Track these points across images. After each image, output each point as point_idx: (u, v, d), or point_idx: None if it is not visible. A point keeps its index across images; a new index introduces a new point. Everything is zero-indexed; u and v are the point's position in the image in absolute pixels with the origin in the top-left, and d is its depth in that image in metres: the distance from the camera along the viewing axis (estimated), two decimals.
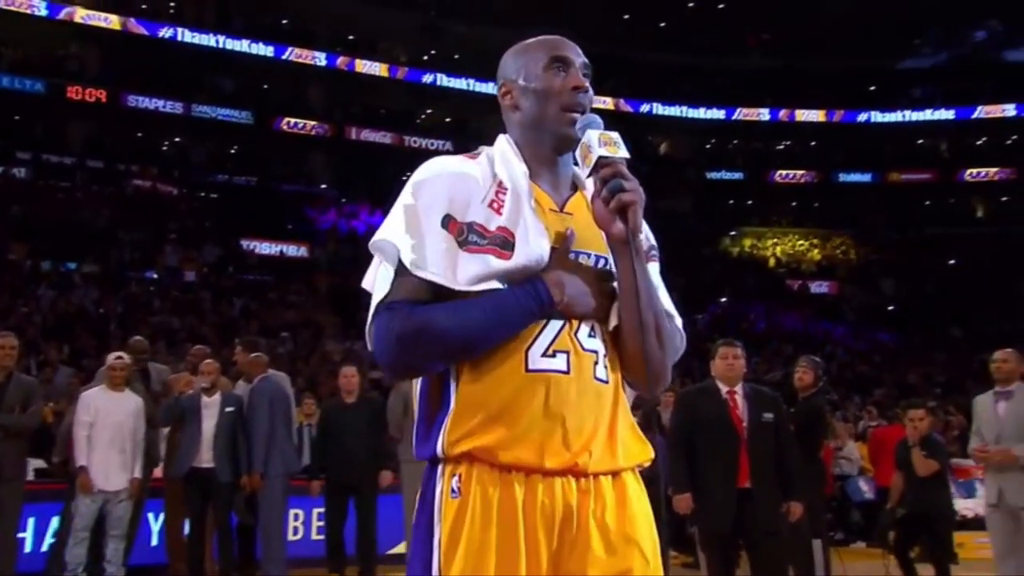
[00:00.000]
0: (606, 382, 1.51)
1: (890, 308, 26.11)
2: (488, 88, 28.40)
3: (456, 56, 28.64)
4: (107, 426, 6.05)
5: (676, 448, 4.63)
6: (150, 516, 6.85)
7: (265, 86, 27.16)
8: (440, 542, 1.42)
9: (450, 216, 1.50)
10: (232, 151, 27.34)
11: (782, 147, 31.51)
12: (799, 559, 5.15)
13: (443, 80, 27.99)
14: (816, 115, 29.94)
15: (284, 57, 26.11)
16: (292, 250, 23.07)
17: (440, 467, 1.48)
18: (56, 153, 24.40)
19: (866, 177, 30.14)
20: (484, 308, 1.44)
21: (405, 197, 1.54)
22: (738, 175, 30.41)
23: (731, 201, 31.23)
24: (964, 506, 8.22)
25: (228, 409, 6.27)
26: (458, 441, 1.45)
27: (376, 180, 28.40)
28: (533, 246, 1.47)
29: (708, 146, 31.39)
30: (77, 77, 24.47)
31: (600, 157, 1.47)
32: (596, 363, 1.50)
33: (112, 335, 13.38)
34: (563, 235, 1.52)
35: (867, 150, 29.90)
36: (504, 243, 1.48)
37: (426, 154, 28.32)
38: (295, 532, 7.30)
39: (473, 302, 1.45)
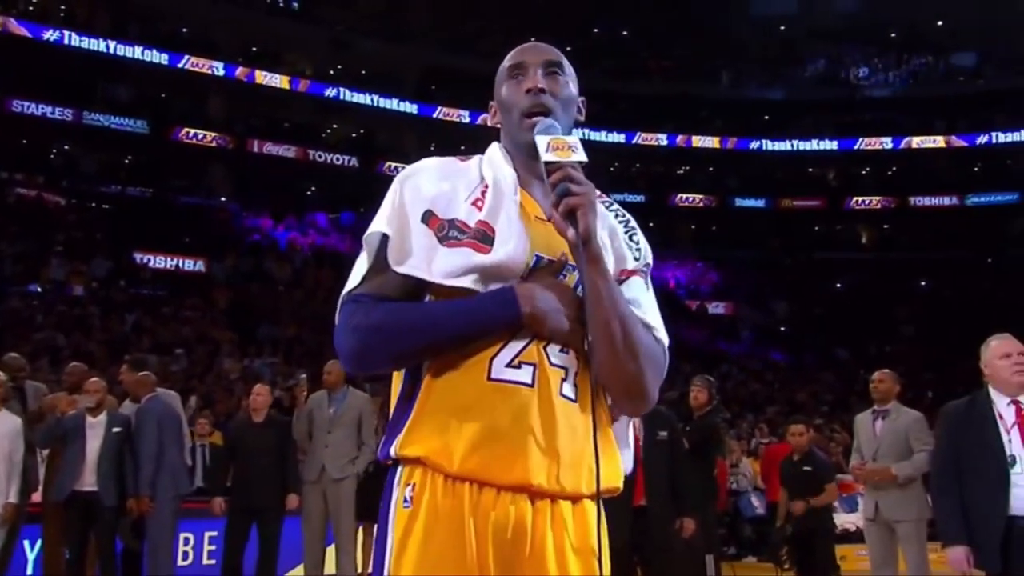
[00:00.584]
0: (574, 400, 1.43)
1: (782, 329, 27.16)
2: (393, 104, 28.48)
3: (363, 72, 28.46)
4: None
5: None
6: (26, 544, 6.47)
7: (163, 95, 26.34)
8: (391, 549, 1.40)
9: (431, 212, 1.48)
10: (126, 161, 26.36)
11: (682, 171, 32.50)
12: (692, 574, 5.28)
13: (347, 95, 27.74)
14: (711, 141, 31.04)
15: (180, 65, 25.35)
16: (189, 264, 22.34)
17: (398, 471, 1.45)
18: None
19: (760, 202, 31.38)
20: (448, 310, 1.40)
21: (390, 193, 1.53)
22: (640, 197, 31.21)
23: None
24: (847, 520, 8.58)
25: (115, 429, 6.00)
26: (411, 444, 1.40)
27: (279, 193, 27.88)
28: (514, 244, 1.42)
29: (612, 168, 32.10)
30: None
31: (547, 162, 1.43)
32: (564, 379, 1.43)
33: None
34: (552, 247, 1.47)
35: (760, 176, 31.16)
36: (484, 237, 1.44)
37: (331, 168, 28.19)
38: (185, 557, 7.03)
39: (438, 304, 1.41)
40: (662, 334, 1.52)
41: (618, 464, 1.50)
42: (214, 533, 6.70)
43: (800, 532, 6.02)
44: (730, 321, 27.40)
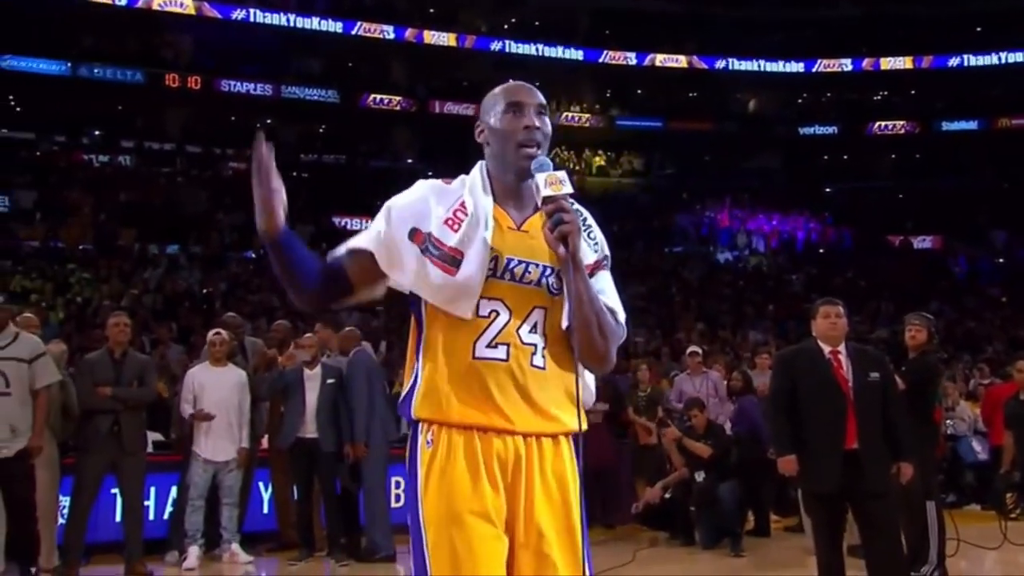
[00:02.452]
0: (543, 368, 1.87)
1: (1000, 261, 24.82)
2: (558, 52, 28.26)
3: (536, 23, 28.38)
4: (212, 400, 6.31)
5: (777, 410, 4.52)
6: (260, 485, 7.12)
7: (349, 64, 27.52)
8: (420, 478, 1.83)
9: (416, 229, 1.88)
10: (320, 130, 27.88)
11: (879, 98, 30.17)
12: (912, 522, 4.98)
13: (512, 47, 27.79)
14: (902, 62, 28.50)
15: (353, 32, 26.34)
16: None
17: (419, 426, 1.88)
18: (157, 140, 25.40)
19: (971, 124, 28.59)
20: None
21: (388, 207, 1.94)
22: (831, 129, 29.28)
23: (825, 157, 30.17)
24: None
25: (329, 381, 6.43)
26: (422, 409, 1.86)
27: (460, 152, 28.54)
28: (474, 268, 1.82)
29: (800, 100, 30.32)
30: (173, 65, 25.31)
31: (545, 197, 1.81)
32: (534, 354, 1.86)
33: (216, 314, 13.91)
34: (509, 247, 1.86)
35: (970, 96, 28.33)
36: (453, 261, 1.83)
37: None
38: (397, 499, 7.47)
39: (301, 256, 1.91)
40: (621, 315, 1.97)
41: (574, 413, 1.90)
42: None
43: None
44: (939, 256, 25.34)
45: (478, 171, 1.98)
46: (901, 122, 29.29)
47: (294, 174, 26.07)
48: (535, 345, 1.86)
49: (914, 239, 26.16)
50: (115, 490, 6.26)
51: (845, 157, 30.30)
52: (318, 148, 27.39)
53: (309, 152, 27.11)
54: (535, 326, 1.87)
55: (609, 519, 7.86)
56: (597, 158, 30.89)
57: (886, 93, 30.11)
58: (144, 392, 6.11)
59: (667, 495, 7.10)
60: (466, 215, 1.87)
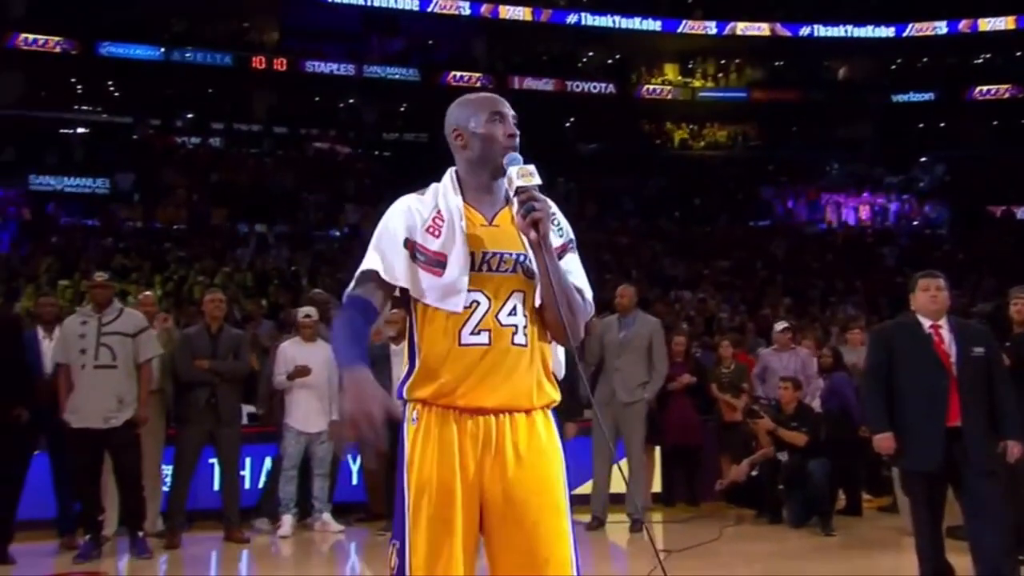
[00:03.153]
0: (524, 345, 2.08)
1: None
2: (636, 23, 27.75)
3: None
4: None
5: (874, 386, 4.37)
6: (349, 457, 7.29)
7: (430, 42, 27.67)
8: (407, 451, 2.08)
9: (407, 239, 2.11)
10: (402, 109, 28.17)
11: (980, 61, 28.70)
12: (1018, 503, 4.77)
13: (588, 19, 27.43)
14: (1003, 22, 26.98)
15: (429, 9, 26.42)
16: None
17: (408, 405, 2.12)
18: (245, 122, 26.11)
19: None
20: (338, 349, 2.07)
21: (379, 227, 2.16)
22: (928, 95, 28.01)
23: (920, 124, 28.92)
24: None
25: None
26: (414, 390, 2.10)
27: (540, 127, 28.43)
28: (458, 270, 2.06)
29: (893, 67, 29.09)
30: (259, 48, 25.92)
31: (518, 187, 2.04)
32: (515, 333, 2.06)
33: (304, 290, 14.28)
34: (483, 241, 2.09)
35: None
36: (439, 263, 2.07)
37: (589, 98, 27.92)
38: None
39: (341, 343, 2.06)
40: (588, 294, 2.18)
41: (555, 385, 2.15)
42: None
43: None
44: None
45: (448, 176, 2.21)
46: (1004, 86, 27.82)
47: (376, 153, 26.47)
48: (516, 325, 2.08)
49: (1017, 209, 24.89)
50: (213, 460, 6.53)
51: (942, 124, 28.98)
52: (399, 127, 27.70)
53: (390, 131, 27.44)
54: (514, 309, 2.08)
55: (693, 496, 7.79)
56: (679, 131, 30.35)
57: (988, 56, 28.61)
58: (239, 365, 6.33)
59: (754, 473, 6.99)
60: (443, 220, 2.11)
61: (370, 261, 2.12)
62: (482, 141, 2.16)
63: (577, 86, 28.27)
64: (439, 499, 2.02)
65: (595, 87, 28.50)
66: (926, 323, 4.27)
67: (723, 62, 29.91)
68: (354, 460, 7.35)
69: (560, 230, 2.19)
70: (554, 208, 2.16)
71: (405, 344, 2.18)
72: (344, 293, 2.16)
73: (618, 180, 26.04)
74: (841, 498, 7.18)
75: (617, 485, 6.76)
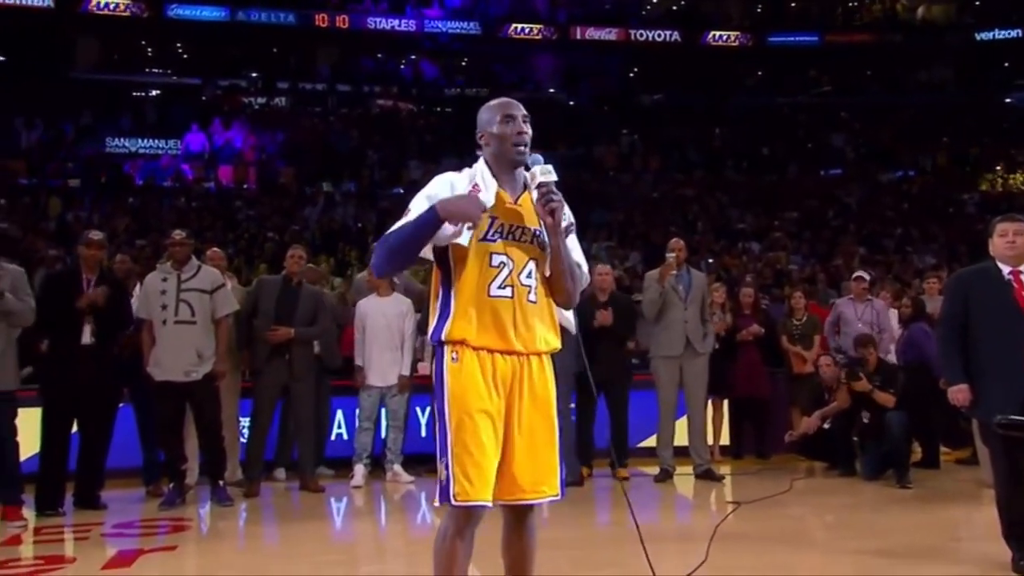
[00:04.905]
0: (535, 303, 2.57)
1: None
2: None
3: None
4: (378, 329, 6.59)
5: (949, 336, 4.22)
6: (416, 410, 7.42)
7: None
8: (447, 384, 2.51)
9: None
10: (463, 64, 28.01)
11: None
12: None
13: None
14: None
15: None
16: None
17: (445, 347, 2.54)
18: (309, 81, 26.32)
19: None
20: (412, 222, 2.50)
21: (420, 194, 2.57)
22: (1014, 33, 26.57)
23: (1005, 64, 27.50)
24: None
25: None
26: (452, 332, 2.52)
27: (601, 78, 27.98)
28: (486, 200, 2.54)
29: (977, 3, 27.63)
30: (322, 5, 25.98)
31: (540, 183, 2.56)
32: (529, 292, 2.55)
33: (369, 248, 14.47)
34: (510, 216, 2.58)
35: None
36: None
37: (653, 47, 27.26)
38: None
39: (402, 226, 2.52)
40: (584, 267, 2.70)
41: (557, 333, 2.64)
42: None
43: None
44: None
45: (482, 163, 2.65)
46: None
47: (438, 109, 26.42)
48: (530, 286, 2.56)
49: None
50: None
51: None
52: (461, 82, 27.56)
53: (452, 86, 27.33)
54: (530, 273, 2.56)
55: (762, 449, 7.73)
56: (745, 78, 29.49)
57: None
58: (316, 331, 6.46)
59: (826, 425, 6.89)
60: (479, 190, 2.57)
61: (408, 216, 2.54)
62: (498, 140, 2.63)
63: (641, 35, 27.66)
64: (474, 423, 2.46)
65: (659, 35, 27.85)
66: (1005, 269, 4.10)
67: (793, 5, 28.84)
68: (423, 412, 7.48)
69: (566, 216, 2.61)
70: (561, 199, 2.64)
71: (433, 296, 2.62)
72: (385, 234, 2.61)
73: (683, 131, 25.53)
74: (917, 450, 7.04)
75: (682, 437, 6.76)
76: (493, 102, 2.70)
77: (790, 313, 8.08)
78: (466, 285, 2.52)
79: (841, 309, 7.49)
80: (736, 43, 28.48)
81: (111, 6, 24.27)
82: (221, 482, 5.91)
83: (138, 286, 6.18)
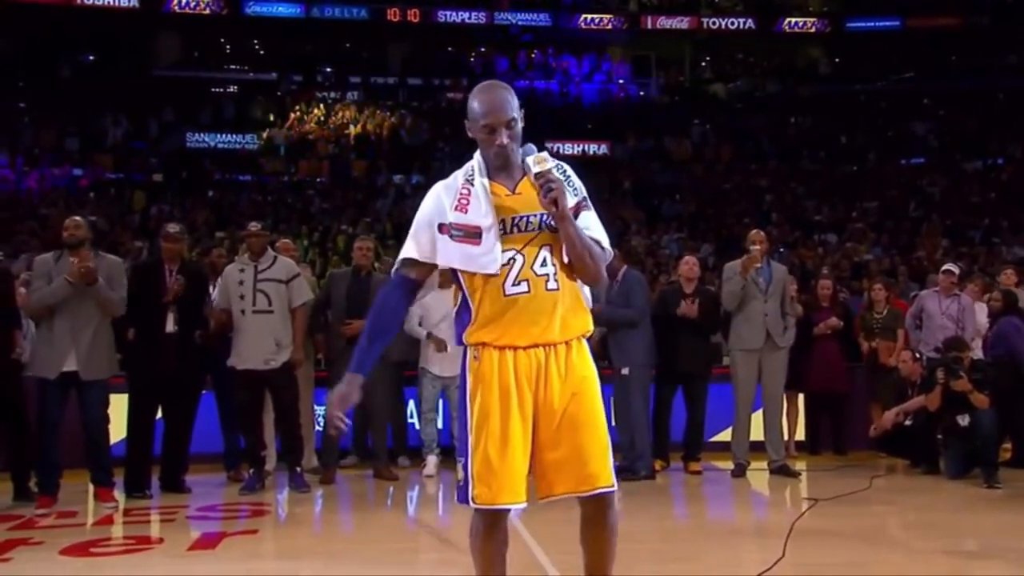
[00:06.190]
0: (557, 289, 2.45)
1: None
2: None
3: None
4: (438, 320, 6.63)
5: None
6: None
7: None
8: (470, 384, 2.47)
9: (440, 224, 2.48)
10: (532, 55, 27.97)
11: None
12: None
13: None
14: None
15: None
16: (593, 148, 23.40)
17: (468, 348, 2.50)
18: (381, 75, 26.66)
19: None
20: (364, 336, 2.53)
21: (416, 216, 2.54)
22: None
23: None
24: None
25: None
26: (473, 335, 2.47)
27: (670, 68, 27.59)
28: (492, 241, 2.43)
29: None
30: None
31: (536, 173, 2.43)
32: (547, 281, 2.44)
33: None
34: (510, 208, 2.46)
35: None
36: (475, 235, 2.43)
37: (724, 35, 26.88)
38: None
39: (365, 333, 2.53)
40: (605, 243, 2.55)
41: (588, 317, 2.54)
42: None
43: None
44: None
45: (476, 158, 2.53)
46: None
47: None
48: (548, 273, 2.44)
49: None
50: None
51: None
52: (529, 75, 27.53)
53: (521, 79, 27.30)
54: (544, 260, 2.45)
55: (840, 445, 7.54)
56: (822, 65, 28.71)
57: None
58: None
59: (907, 422, 6.67)
60: (470, 196, 2.46)
61: (407, 249, 2.53)
62: (481, 142, 2.51)
63: (714, 22, 27.18)
64: (497, 422, 2.42)
65: (732, 22, 27.33)
66: None
67: None
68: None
69: (575, 190, 2.53)
70: (568, 171, 2.55)
71: (453, 296, 2.59)
72: (396, 267, 2.59)
73: (757, 120, 25.00)
74: (1006, 448, 6.76)
75: (758, 432, 6.64)
76: (481, 93, 2.50)
77: (870, 306, 7.85)
78: (480, 289, 2.44)
79: (924, 302, 7.24)
80: (813, 29, 27.74)
81: (192, 4, 25.00)
82: (299, 468, 6.04)
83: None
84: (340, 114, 24.55)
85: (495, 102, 2.48)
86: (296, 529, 5.23)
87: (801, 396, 7.60)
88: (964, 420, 6.17)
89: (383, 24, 25.89)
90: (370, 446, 6.64)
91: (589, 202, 2.55)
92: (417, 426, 7.18)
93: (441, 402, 6.90)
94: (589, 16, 26.66)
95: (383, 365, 6.54)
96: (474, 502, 2.41)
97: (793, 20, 27.77)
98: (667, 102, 26.61)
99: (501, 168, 2.50)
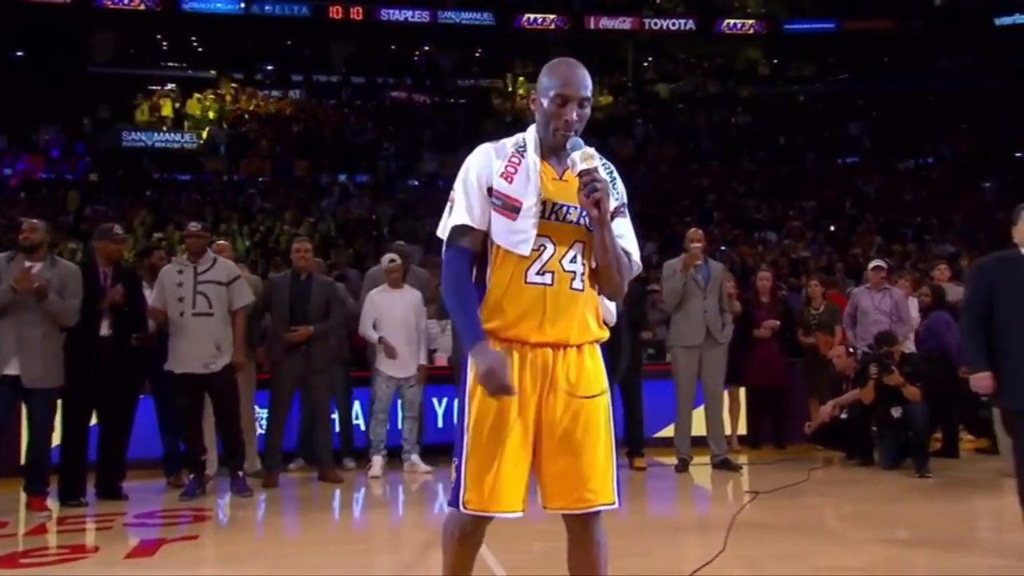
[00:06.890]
0: (580, 291, 2.30)
1: None
2: None
3: None
4: (392, 320, 6.60)
5: (972, 323, 4.18)
6: (433, 400, 7.44)
7: None
8: (470, 381, 2.28)
9: (489, 186, 2.29)
10: (477, 55, 27.97)
11: None
12: None
13: None
14: None
15: None
16: None
17: None
18: (323, 73, 26.36)
19: None
20: (460, 319, 2.27)
21: (461, 177, 2.33)
22: None
23: None
24: None
25: None
26: (483, 323, 2.26)
27: (616, 67, 27.83)
28: (530, 219, 2.25)
29: None
30: None
31: (581, 171, 2.20)
32: (573, 279, 2.28)
33: (386, 239, 14.50)
34: (554, 194, 2.28)
35: None
36: (513, 209, 2.26)
37: (666, 36, 27.15)
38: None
39: (463, 313, 2.25)
40: (635, 256, 2.39)
41: (604, 327, 2.38)
42: None
43: None
44: None
45: (531, 133, 2.36)
46: None
47: (451, 101, 26.40)
48: (575, 272, 2.29)
49: None
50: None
51: None
52: (475, 73, 27.53)
53: (465, 78, 27.30)
54: (575, 257, 2.29)
55: (780, 439, 7.70)
56: (760, 66, 29.28)
57: None
58: (333, 323, 6.47)
59: (843, 416, 6.85)
60: (518, 167, 2.29)
61: (459, 215, 2.31)
62: (544, 117, 2.33)
63: (655, 23, 27.50)
64: (495, 425, 2.24)
65: (674, 23, 27.69)
66: None
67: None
68: (439, 403, 7.50)
69: (617, 194, 2.37)
70: (614, 172, 2.39)
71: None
72: (443, 249, 2.35)
73: (698, 120, 25.37)
74: (937, 439, 6.99)
75: (700, 427, 6.75)
76: (559, 65, 2.32)
77: (807, 302, 8.03)
78: (501, 270, 2.26)
79: (858, 299, 7.44)
80: (751, 31, 28.26)
81: (126, 0, 24.39)
82: (240, 472, 5.95)
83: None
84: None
85: (575, 76, 2.30)
86: (238, 534, 5.13)
87: (742, 391, 7.74)
88: (897, 412, 6.37)
89: (325, 22, 25.61)
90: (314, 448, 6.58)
91: (627, 209, 2.40)
92: (363, 427, 7.13)
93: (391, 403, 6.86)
94: (532, 16, 26.74)
95: (328, 364, 6.52)
96: (464, 507, 2.24)
97: (732, 22, 28.26)
98: (610, 102, 26.84)
99: (554, 150, 2.32)
